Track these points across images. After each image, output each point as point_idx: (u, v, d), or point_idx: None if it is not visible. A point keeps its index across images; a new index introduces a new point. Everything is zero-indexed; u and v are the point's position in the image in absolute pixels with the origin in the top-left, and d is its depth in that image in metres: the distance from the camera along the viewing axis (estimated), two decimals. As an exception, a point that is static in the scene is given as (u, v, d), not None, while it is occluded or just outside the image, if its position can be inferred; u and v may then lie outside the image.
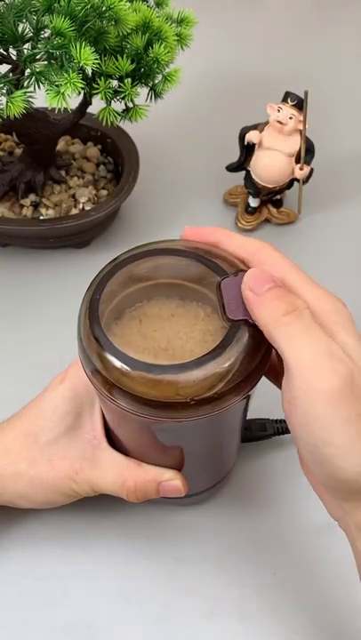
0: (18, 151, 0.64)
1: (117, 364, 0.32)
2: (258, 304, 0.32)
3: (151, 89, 0.52)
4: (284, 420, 0.48)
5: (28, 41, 0.48)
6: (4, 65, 0.49)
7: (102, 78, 0.50)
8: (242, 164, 0.62)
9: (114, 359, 0.32)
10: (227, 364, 0.32)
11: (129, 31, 0.49)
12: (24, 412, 0.43)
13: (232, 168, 0.64)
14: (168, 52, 0.50)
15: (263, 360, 0.33)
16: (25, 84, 0.46)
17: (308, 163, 0.60)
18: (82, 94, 0.51)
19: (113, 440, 0.41)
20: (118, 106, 0.52)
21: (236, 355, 0.32)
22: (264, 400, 0.41)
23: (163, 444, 0.38)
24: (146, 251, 0.36)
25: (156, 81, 0.52)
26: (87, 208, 0.60)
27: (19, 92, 0.45)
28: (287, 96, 0.59)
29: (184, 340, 0.34)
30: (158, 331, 0.35)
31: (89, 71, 0.49)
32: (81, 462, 0.40)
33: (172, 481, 0.40)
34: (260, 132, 0.60)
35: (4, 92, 0.45)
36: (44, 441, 0.41)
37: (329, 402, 0.30)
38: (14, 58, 0.48)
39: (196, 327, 0.35)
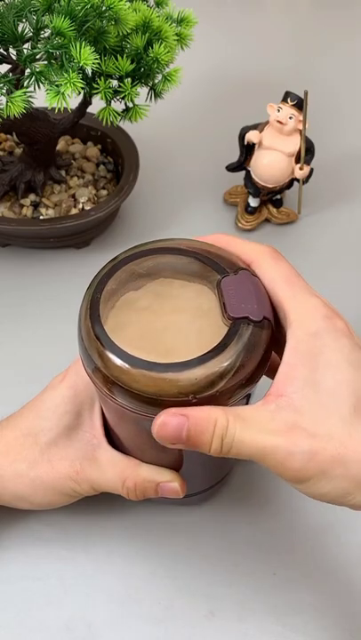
0: (18, 151, 0.64)
1: (118, 361, 0.32)
2: None
3: (151, 89, 0.52)
4: None
5: (27, 41, 0.48)
6: (4, 65, 0.49)
7: (102, 78, 0.50)
8: (242, 163, 0.62)
9: (115, 357, 0.32)
10: (228, 362, 0.32)
11: (129, 31, 0.49)
12: (24, 412, 0.43)
13: (232, 168, 0.64)
14: (168, 52, 0.50)
15: (264, 358, 0.33)
16: (25, 83, 0.46)
17: (308, 163, 0.60)
18: (82, 94, 0.51)
19: (113, 439, 0.41)
20: (118, 106, 0.52)
21: (237, 352, 0.32)
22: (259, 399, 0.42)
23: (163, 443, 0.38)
24: (146, 250, 0.36)
25: (156, 81, 0.52)
26: (87, 208, 0.60)
27: (19, 92, 0.45)
28: (287, 96, 0.59)
29: (185, 337, 0.34)
30: (159, 328, 0.35)
31: (89, 71, 0.49)
32: (81, 462, 0.40)
33: (170, 483, 0.40)
34: (260, 131, 0.60)
35: (4, 91, 0.45)
36: (44, 441, 0.41)
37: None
38: (14, 58, 0.48)
39: (197, 324, 0.35)
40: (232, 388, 0.32)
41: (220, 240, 0.37)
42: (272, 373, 0.34)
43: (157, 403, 0.32)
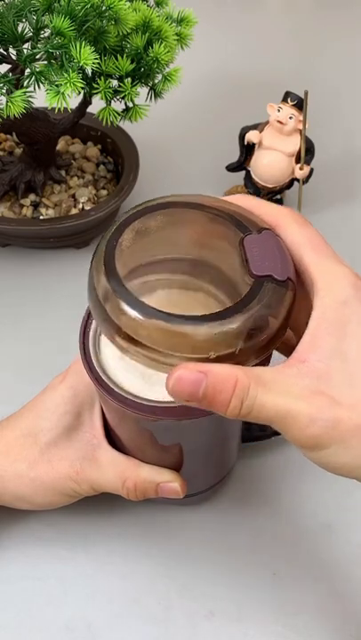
0: (18, 151, 0.64)
1: (133, 313, 0.30)
2: None
3: (151, 89, 0.52)
4: None
5: (27, 41, 0.48)
6: (4, 65, 0.49)
7: (102, 78, 0.50)
8: (242, 163, 0.62)
9: (129, 308, 0.30)
10: (250, 319, 0.30)
11: (129, 31, 0.49)
12: (24, 412, 0.43)
13: (232, 168, 0.64)
14: (168, 52, 0.50)
15: (286, 318, 0.32)
16: (25, 83, 0.46)
17: (308, 163, 0.60)
18: (82, 94, 0.51)
19: (113, 439, 0.41)
20: (118, 106, 0.52)
21: (260, 310, 0.30)
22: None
23: (163, 443, 0.38)
24: (164, 202, 0.34)
25: (156, 81, 0.52)
26: (87, 208, 0.60)
27: (19, 92, 0.45)
28: (287, 96, 0.59)
29: (205, 297, 0.33)
30: (176, 287, 0.34)
31: (89, 71, 0.49)
32: (81, 462, 0.40)
33: (170, 483, 0.40)
34: (260, 131, 0.60)
35: (4, 91, 0.45)
36: (44, 441, 0.41)
37: None
38: (14, 58, 0.48)
39: (216, 283, 0.34)
40: (253, 349, 0.31)
41: (243, 201, 0.35)
42: (287, 352, 0.32)
43: (173, 358, 0.30)
